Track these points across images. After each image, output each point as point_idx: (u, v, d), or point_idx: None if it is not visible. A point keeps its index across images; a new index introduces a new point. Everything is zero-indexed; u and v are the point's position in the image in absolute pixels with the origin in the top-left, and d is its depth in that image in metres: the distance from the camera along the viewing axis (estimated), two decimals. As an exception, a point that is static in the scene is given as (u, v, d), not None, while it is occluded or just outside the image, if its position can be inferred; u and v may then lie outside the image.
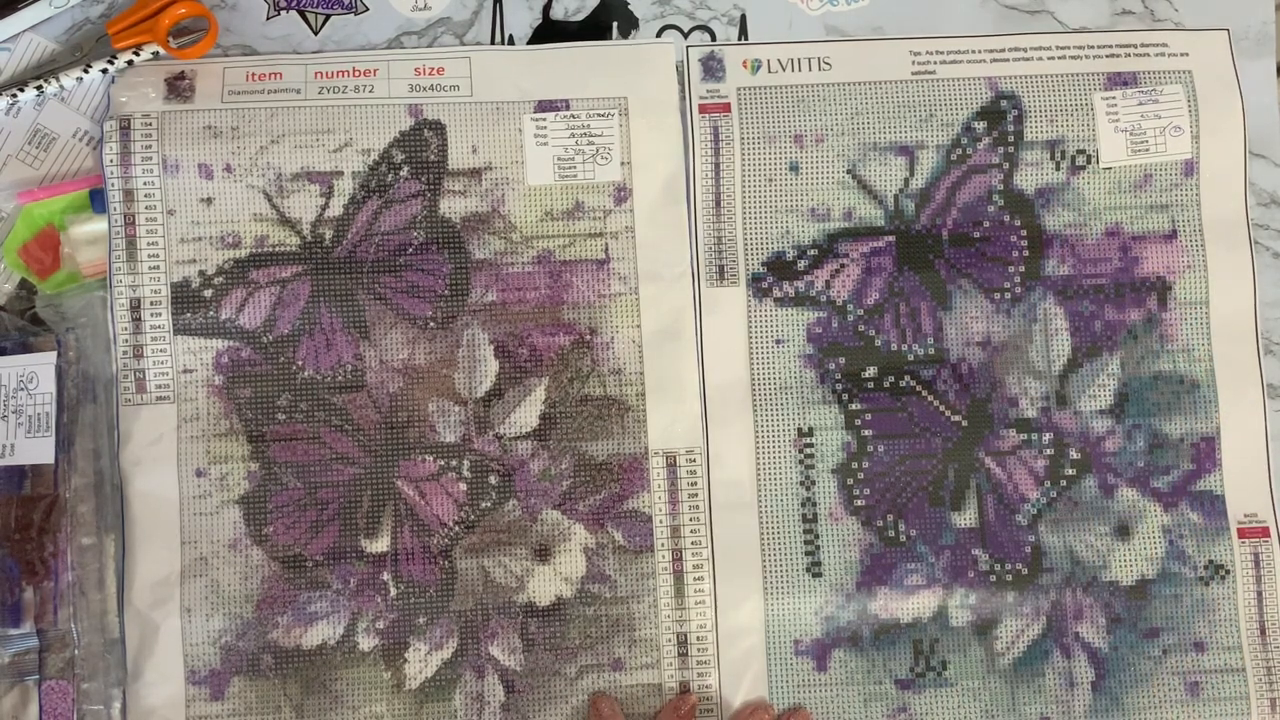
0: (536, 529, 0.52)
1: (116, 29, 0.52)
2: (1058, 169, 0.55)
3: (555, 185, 0.54)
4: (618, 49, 0.55)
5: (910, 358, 0.54)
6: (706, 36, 0.55)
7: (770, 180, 0.54)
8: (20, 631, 0.49)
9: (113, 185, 0.52)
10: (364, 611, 0.51)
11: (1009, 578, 0.53)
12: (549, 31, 0.55)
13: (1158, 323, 0.54)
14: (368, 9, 0.55)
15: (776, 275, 0.54)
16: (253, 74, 0.53)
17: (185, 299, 0.52)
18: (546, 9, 0.56)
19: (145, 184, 0.52)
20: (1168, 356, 0.54)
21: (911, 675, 0.52)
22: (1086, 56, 0.56)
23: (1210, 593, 0.53)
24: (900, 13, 0.56)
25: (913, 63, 0.55)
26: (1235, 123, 0.55)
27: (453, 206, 0.53)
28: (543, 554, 0.52)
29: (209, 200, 0.52)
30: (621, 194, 0.54)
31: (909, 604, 0.52)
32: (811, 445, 0.53)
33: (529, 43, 0.55)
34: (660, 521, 0.52)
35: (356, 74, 0.54)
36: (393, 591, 0.51)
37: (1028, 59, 0.56)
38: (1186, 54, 0.56)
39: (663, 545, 0.52)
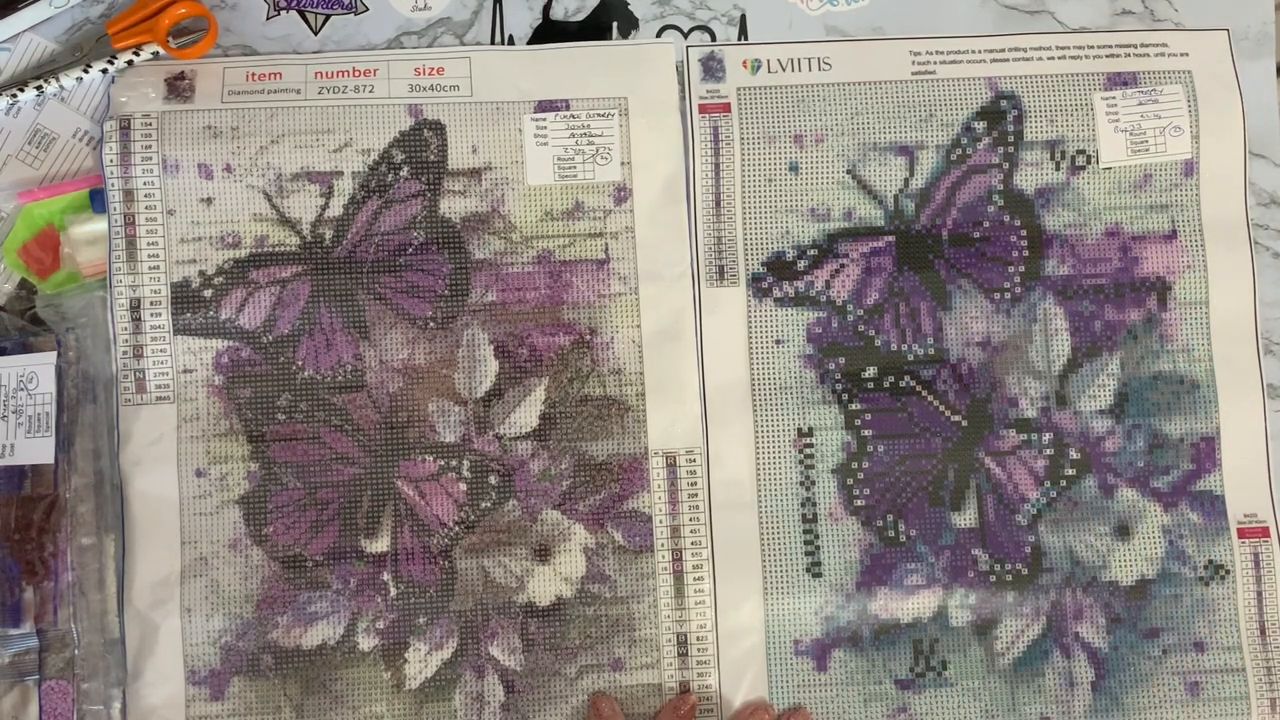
0: (536, 529, 0.52)
1: (116, 29, 0.52)
2: (1058, 169, 0.55)
3: (555, 185, 0.54)
4: (618, 49, 0.55)
5: (910, 358, 0.54)
6: (706, 36, 0.55)
7: (770, 180, 0.54)
8: (20, 631, 0.49)
9: (113, 185, 0.52)
10: (364, 611, 0.51)
11: (1009, 578, 0.53)
12: (549, 31, 0.55)
13: (1157, 323, 0.54)
14: (368, 9, 0.55)
15: (776, 275, 0.54)
16: (253, 74, 0.53)
17: (185, 299, 0.52)
18: (546, 9, 0.56)
19: (145, 184, 0.52)
20: (1168, 356, 0.54)
21: (911, 675, 0.52)
22: (1086, 56, 0.56)
23: (1210, 593, 0.53)
24: (900, 13, 0.56)
25: (913, 63, 0.55)
26: (1235, 123, 0.55)
27: (453, 206, 0.53)
28: (543, 554, 0.52)
29: (209, 200, 0.52)
30: (621, 194, 0.54)
31: (909, 604, 0.52)
32: (811, 445, 0.53)
33: (529, 43, 0.55)
34: (660, 521, 0.52)
35: (356, 74, 0.54)
36: (393, 591, 0.51)
37: (1028, 59, 0.56)
38: (1186, 54, 0.56)
39: (663, 545, 0.52)
